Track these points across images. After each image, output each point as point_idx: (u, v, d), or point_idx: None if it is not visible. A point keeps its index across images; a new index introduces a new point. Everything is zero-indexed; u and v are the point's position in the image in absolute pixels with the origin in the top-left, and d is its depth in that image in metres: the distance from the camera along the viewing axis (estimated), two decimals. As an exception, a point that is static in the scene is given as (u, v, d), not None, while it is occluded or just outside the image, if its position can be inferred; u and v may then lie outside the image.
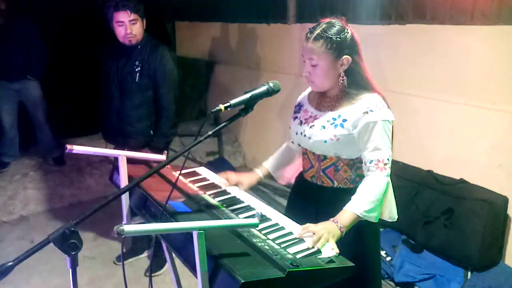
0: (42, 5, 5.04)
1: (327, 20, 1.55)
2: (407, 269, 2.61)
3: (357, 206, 1.47)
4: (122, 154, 1.67)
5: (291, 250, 1.24)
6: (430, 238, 2.70)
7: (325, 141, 1.56)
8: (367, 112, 1.51)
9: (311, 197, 1.68)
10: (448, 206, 2.70)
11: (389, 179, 1.55)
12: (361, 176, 1.60)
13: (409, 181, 2.92)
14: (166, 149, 2.72)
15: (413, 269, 2.61)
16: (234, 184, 1.73)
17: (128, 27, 2.51)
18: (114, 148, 2.62)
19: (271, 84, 1.43)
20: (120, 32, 2.54)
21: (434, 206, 2.78)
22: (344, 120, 1.54)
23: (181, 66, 2.75)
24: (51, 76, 4.24)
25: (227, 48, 5.10)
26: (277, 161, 1.87)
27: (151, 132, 2.72)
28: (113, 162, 3.02)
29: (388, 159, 1.53)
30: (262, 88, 1.42)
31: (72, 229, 1.08)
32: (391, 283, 2.64)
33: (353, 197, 1.50)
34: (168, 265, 1.98)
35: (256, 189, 4.02)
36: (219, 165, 4.42)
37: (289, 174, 1.88)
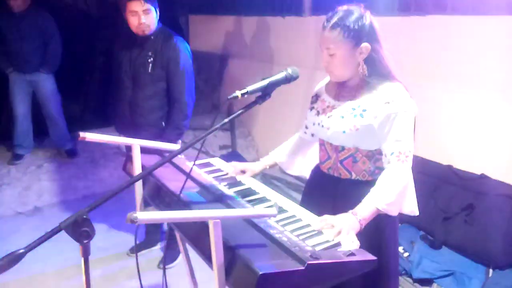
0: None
1: (345, 7, 1.50)
2: (426, 266, 2.54)
3: (378, 199, 1.41)
4: (136, 143, 1.64)
5: (310, 242, 1.19)
6: (450, 234, 2.63)
7: (344, 132, 1.51)
8: (388, 103, 1.46)
9: (328, 190, 1.63)
10: (469, 202, 2.62)
11: (410, 172, 1.49)
12: (380, 169, 1.54)
13: (427, 176, 2.84)
14: (178, 141, 2.70)
15: (432, 265, 2.54)
16: (239, 172, 1.71)
17: (141, 17, 2.47)
18: (126, 139, 2.59)
19: (289, 71, 1.38)
20: (133, 22, 2.50)
21: (454, 202, 2.70)
22: (364, 110, 1.49)
23: (194, 60, 2.71)
24: (66, 69, 4.26)
25: (240, 42, 5.06)
26: (286, 151, 1.83)
27: (163, 123, 2.70)
28: (126, 153, 3.00)
29: (410, 151, 1.47)
30: (281, 75, 1.37)
31: (84, 216, 1.04)
32: (409, 279, 2.58)
33: (372, 189, 1.45)
34: (181, 257, 1.95)
35: (270, 183, 3.98)
36: (232, 159, 4.32)
37: (299, 165, 1.84)
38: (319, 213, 1.38)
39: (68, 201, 3.83)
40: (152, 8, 2.52)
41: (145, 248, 3.03)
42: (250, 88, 1.31)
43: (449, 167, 2.84)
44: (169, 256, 2.85)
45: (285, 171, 1.84)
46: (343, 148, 1.56)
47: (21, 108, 4.08)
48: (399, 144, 1.46)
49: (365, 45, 1.46)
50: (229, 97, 1.28)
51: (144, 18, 2.49)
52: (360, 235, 1.32)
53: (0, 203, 3.64)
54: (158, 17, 2.59)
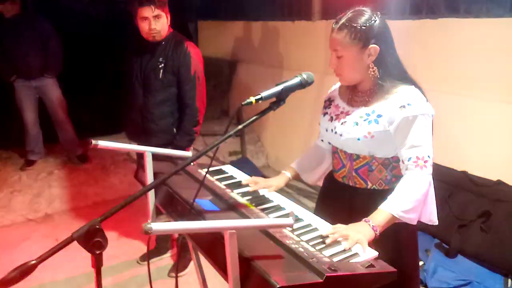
0: (68, 6, 5.13)
1: (355, 8, 1.45)
2: (441, 275, 2.48)
3: (394, 206, 1.36)
4: (148, 150, 1.61)
5: (327, 252, 1.16)
6: (465, 242, 2.57)
7: (358, 139, 1.45)
8: (404, 106, 1.40)
9: (343, 199, 1.57)
10: (485, 209, 2.56)
11: (431, 178, 1.44)
12: (398, 177, 1.49)
13: (441, 182, 2.79)
14: (189, 148, 2.68)
15: (447, 274, 2.48)
16: (263, 188, 1.64)
17: (152, 22, 2.47)
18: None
19: (304, 76, 1.34)
20: (144, 27, 2.50)
21: (469, 209, 2.64)
22: (379, 116, 1.43)
23: (203, 66, 2.70)
24: (76, 75, 4.28)
25: (250, 47, 5.05)
26: (306, 162, 1.76)
27: (174, 130, 2.68)
28: (137, 161, 2.98)
29: (429, 156, 1.42)
30: (295, 80, 1.34)
31: (97, 226, 1.02)
32: (424, 289, 2.53)
33: (389, 196, 1.40)
34: (193, 265, 1.92)
35: (280, 190, 3.93)
36: (242, 165, 4.36)
37: (319, 175, 1.78)
38: (335, 223, 1.34)
39: (79, 208, 3.83)
40: (163, 14, 2.51)
41: (155, 256, 3.00)
42: (264, 93, 1.27)
43: (464, 173, 2.78)
44: (180, 264, 2.82)
45: (306, 182, 1.77)
46: (358, 156, 1.51)
47: (29, 115, 4.10)
48: (417, 149, 1.41)
49: (373, 46, 1.41)
50: (243, 103, 1.24)
51: (155, 24, 2.48)
52: (379, 244, 1.28)
53: (11, 210, 3.65)
54: (169, 23, 2.59)
